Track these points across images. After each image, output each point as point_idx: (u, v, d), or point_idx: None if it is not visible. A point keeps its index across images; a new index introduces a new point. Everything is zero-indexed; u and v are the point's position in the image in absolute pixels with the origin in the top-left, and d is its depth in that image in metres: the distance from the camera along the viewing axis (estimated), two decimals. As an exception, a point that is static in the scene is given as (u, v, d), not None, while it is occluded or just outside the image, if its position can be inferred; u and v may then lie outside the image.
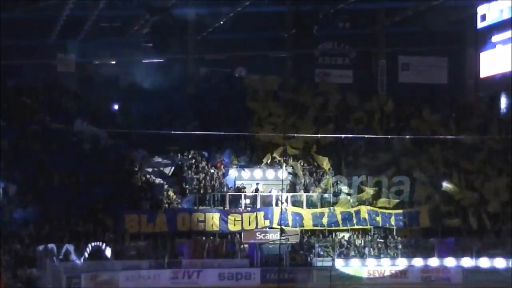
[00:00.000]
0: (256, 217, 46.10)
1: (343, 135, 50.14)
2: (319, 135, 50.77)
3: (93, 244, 41.75)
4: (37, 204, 43.34)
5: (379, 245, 46.80)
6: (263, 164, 49.43)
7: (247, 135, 49.98)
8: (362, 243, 46.66)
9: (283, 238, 44.66)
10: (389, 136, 51.53)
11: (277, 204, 46.82)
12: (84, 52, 52.60)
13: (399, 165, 50.32)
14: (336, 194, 48.59)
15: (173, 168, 47.76)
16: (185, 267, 43.19)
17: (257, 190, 47.80)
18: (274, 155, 49.77)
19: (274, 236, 45.21)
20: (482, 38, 56.95)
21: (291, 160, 49.83)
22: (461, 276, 45.71)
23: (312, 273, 43.97)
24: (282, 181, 46.16)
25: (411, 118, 54.23)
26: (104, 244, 42.06)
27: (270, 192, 47.91)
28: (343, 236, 46.91)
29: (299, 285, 43.15)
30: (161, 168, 47.57)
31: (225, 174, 48.44)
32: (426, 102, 55.99)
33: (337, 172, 49.50)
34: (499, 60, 55.20)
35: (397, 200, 48.51)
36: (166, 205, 45.58)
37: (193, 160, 48.62)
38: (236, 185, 48.13)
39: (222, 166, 48.85)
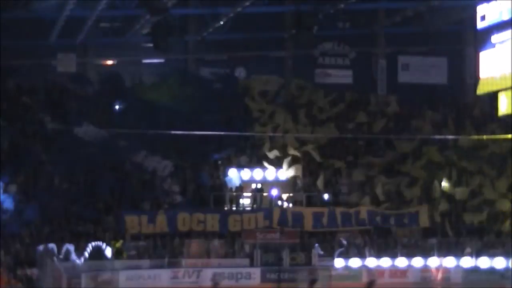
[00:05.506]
0: (256, 217, 46.10)
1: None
2: (318, 135, 50.94)
3: (93, 244, 41.83)
4: (37, 204, 43.36)
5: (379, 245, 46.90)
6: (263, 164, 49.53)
7: (247, 135, 50.01)
8: (362, 243, 46.68)
9: None
10: (389, 136, 51.63)
11: (276, 204, 46.81)
12: (84, 52, 52.66)
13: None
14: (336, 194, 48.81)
15: (173, 168, 47.75)
16: (185, 267, 43.29)
17: (258, 190, 47.78)
18: (274, 155, 49.90)
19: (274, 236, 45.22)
20: (482, 38, 56.87)
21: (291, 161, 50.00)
22: (461, 276, 45.78)
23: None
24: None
25: (411, 118, 54.25)
26: (104, 244, 42.17)
27: (270, 192, 47.94)
28: (343, 236, 46.94)
29: (299, 285, 43.18)
30: (161, 168, 47.55)
31: (225, 174, 48.47)
32: (426, 102, 56.01)
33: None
34: (499, 60, 55.14)
35: None
36: (167, 206, 45.56)
37: (193, 160, 48.64)
38: (236, 185, 48.20)
39: (222, 166, 48.85)
